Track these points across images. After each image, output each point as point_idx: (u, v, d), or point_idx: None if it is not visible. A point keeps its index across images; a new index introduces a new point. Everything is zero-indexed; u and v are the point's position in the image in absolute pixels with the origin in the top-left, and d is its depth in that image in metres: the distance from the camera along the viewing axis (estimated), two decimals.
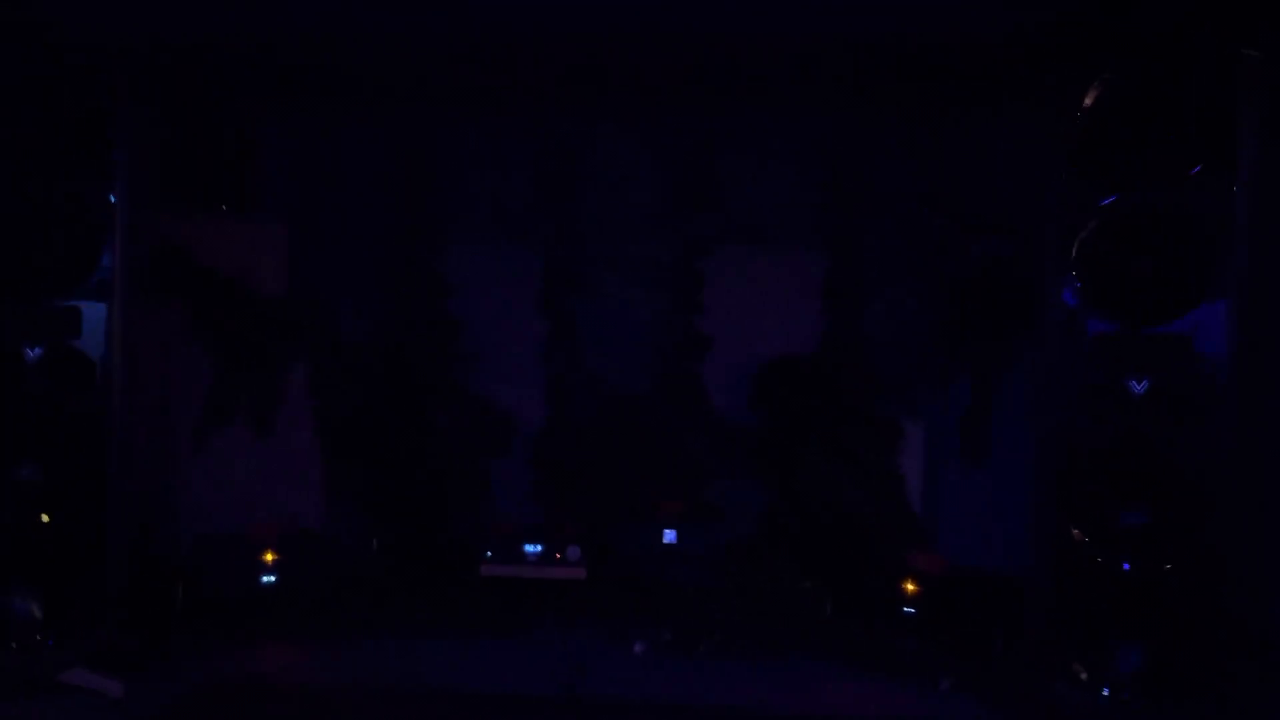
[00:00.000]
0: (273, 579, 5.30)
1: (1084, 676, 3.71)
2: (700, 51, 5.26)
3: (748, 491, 6.10)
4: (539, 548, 5.55)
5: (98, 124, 4.29)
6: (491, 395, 6.40)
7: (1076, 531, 3.74)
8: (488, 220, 6.55)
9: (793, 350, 6.14)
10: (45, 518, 4.10)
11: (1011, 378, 5.62)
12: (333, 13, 4.84)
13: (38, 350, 4.19)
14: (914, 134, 6.15)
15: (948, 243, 6.12)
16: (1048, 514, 3.86)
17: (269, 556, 5.29)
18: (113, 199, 4.33)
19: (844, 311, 6.20)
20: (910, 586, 5.04)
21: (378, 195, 6.49)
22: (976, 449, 5.66)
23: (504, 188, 6.54)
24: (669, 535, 5.56)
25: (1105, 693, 3.60)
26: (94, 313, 4.35)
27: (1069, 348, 3.96)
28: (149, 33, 4.74)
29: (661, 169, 6.36)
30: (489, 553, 5.56)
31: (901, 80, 5.39)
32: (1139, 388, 3.64)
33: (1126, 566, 3.61)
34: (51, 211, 4.18)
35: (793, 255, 6.34)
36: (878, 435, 5.92)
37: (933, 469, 5.95)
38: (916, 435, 6.00)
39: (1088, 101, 3.72)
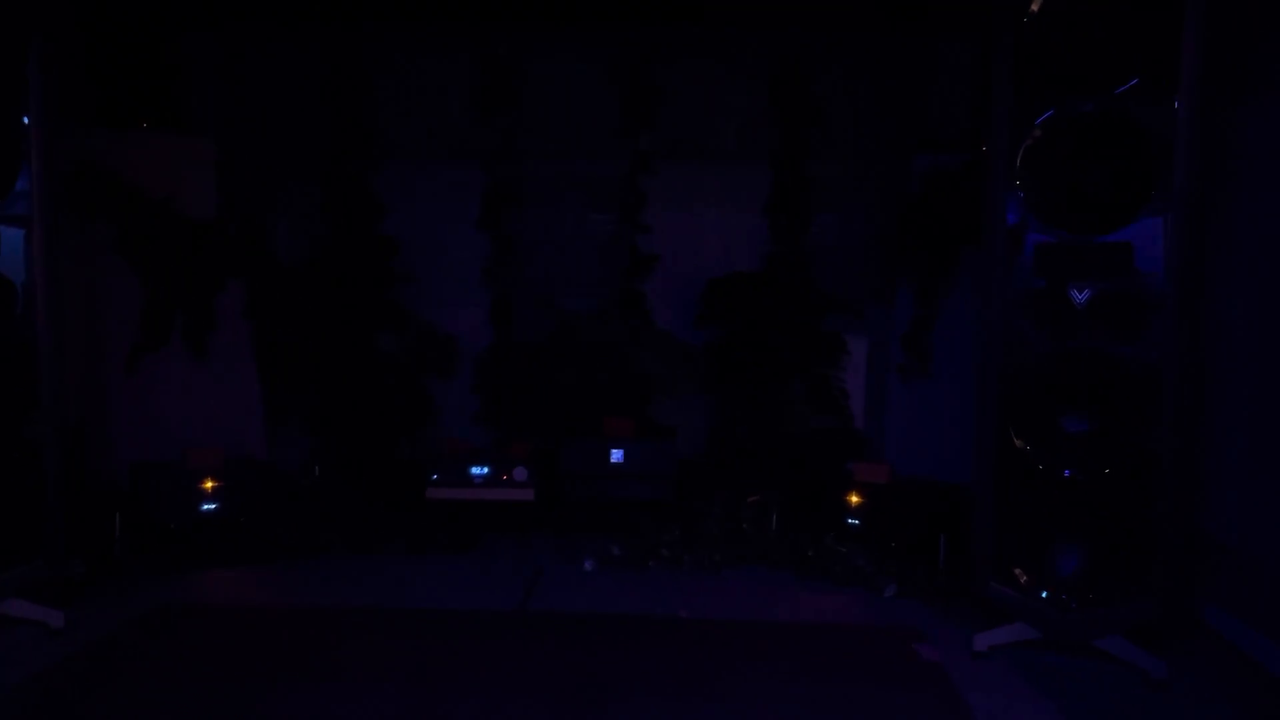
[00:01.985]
0: (214, 506, 5.21)
1: (1024, 580, 3.80)
2: None
3: (696, 409, 6.14)
4: (486, 469, 5.53)
5: (10, 40, 4.02)
6: (434, 316, 6.32)
7: (1018, 440, 3.79)
8: (426, 138, 6.40)
9: (739, 267, 6.12)
10: None
11: (955, 292, 5.70)
12: None
13: None
14: (859, 50, 6.11)
15: (892, 158, 6.13)
16: (989, 422, 3.91)
17: (209, 484, 5.19)
18: (26, 119, 4.08)
19: (789, 228, 6.18)
20: (854, 498, 5.13)
21: (310, 113, 6.27)
22: (919, 362, 5.74)
23: (442, 104, 6.38)
24: (616, 454, 5.57)
25: (1044, 595, 3.70)
26: (15, 236, 4.17)
27: (1012, 259, 3.98)
28: None
29: (606, 85, 6.23)
30: (435, 475, 5.52)
31: None
32: (1080, 297, 3.67)
33: (1067, 473, 3.68)
34: None
35: (738, 172, 6.29)
36: (823, 350, 5.95)
37: (878, 382, 6.03)
38: (861, 349, 6.07)
39: (1034, 7, 3.67)
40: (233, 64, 6.39)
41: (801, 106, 6.14)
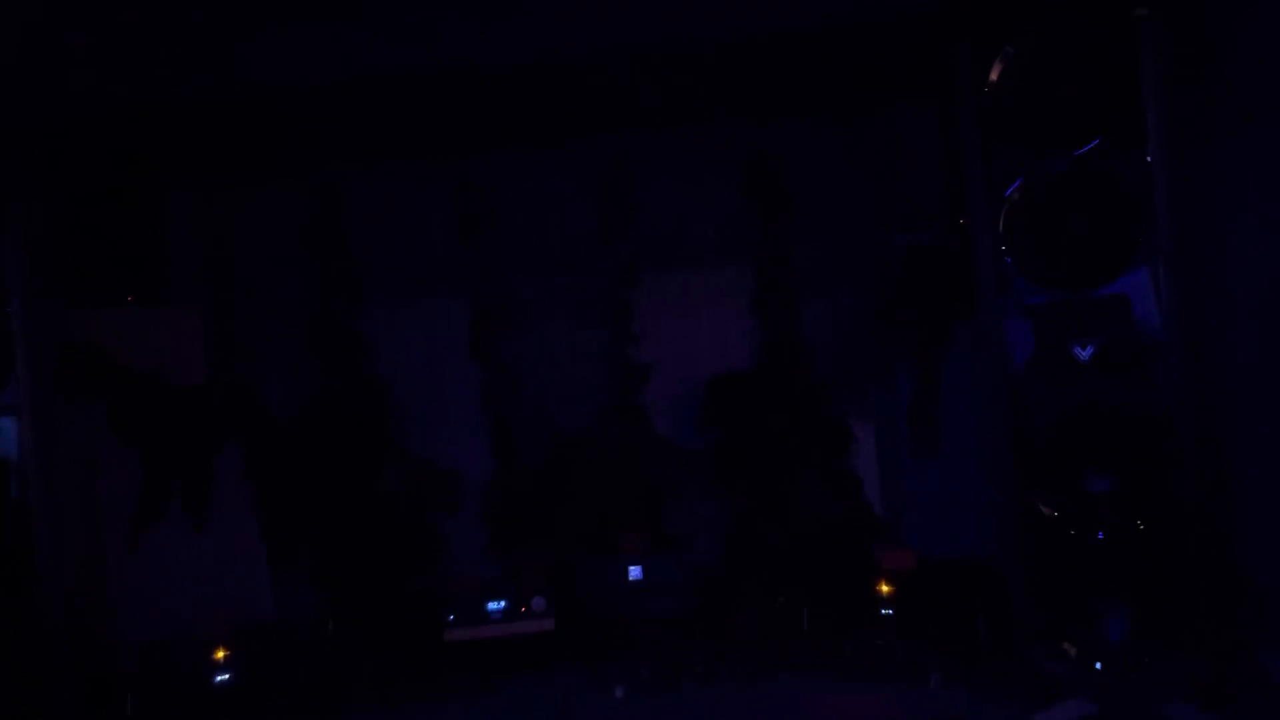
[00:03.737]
0: (227, 676, 5.02)
1: (1073, 652, 3.64)
2: (605, 73, 5.22)
3: (708, 515, 6.00)
4: (503, 603, 5.36)
5: None
6: (433, 452, 6.22)
7: (1045, 508, 3.69)
8: (410, 271, 6.41)
9: (733, 366, 6.08)
10: None
11: (953, 364, 5.64)
12: (226, 75, 4.70)
13: None
14: (826, 138, 6.18)
15: (870, 240, 6.16)
16: (1010, 493, 3.81)
17: (220, 654, 5.02)
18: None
19: (778, 321, 6.17)
20: (885, 587, 4.96)
21: (290, 265, 6.29)
22: (927, 438, 5.64)
23: (423, 235, 6.40)
24: (634, 571, 5.42)
25: (1099, 666, 3.54)
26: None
27: (1007, 324, 3.94)
28: (38, 114, 4.55)
29: (580, 199, 6.28)
30: (451, 615, 5.35)
31: (808, 80, 5.38)
32: (1084, 354, 3.62)
33: (1101, 535, 3.57)
34: None
35: (720, 272, 6.30)
36: (828, 439, 5.86)
37: (889, 463, 5.91)
38: (868, 432, 5.97)
39: (993, 76, 3.73)
40: (211, 222, 6.44)
41: (777, 197, 6.19)
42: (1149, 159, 3.56)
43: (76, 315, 5.51)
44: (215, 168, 6.23)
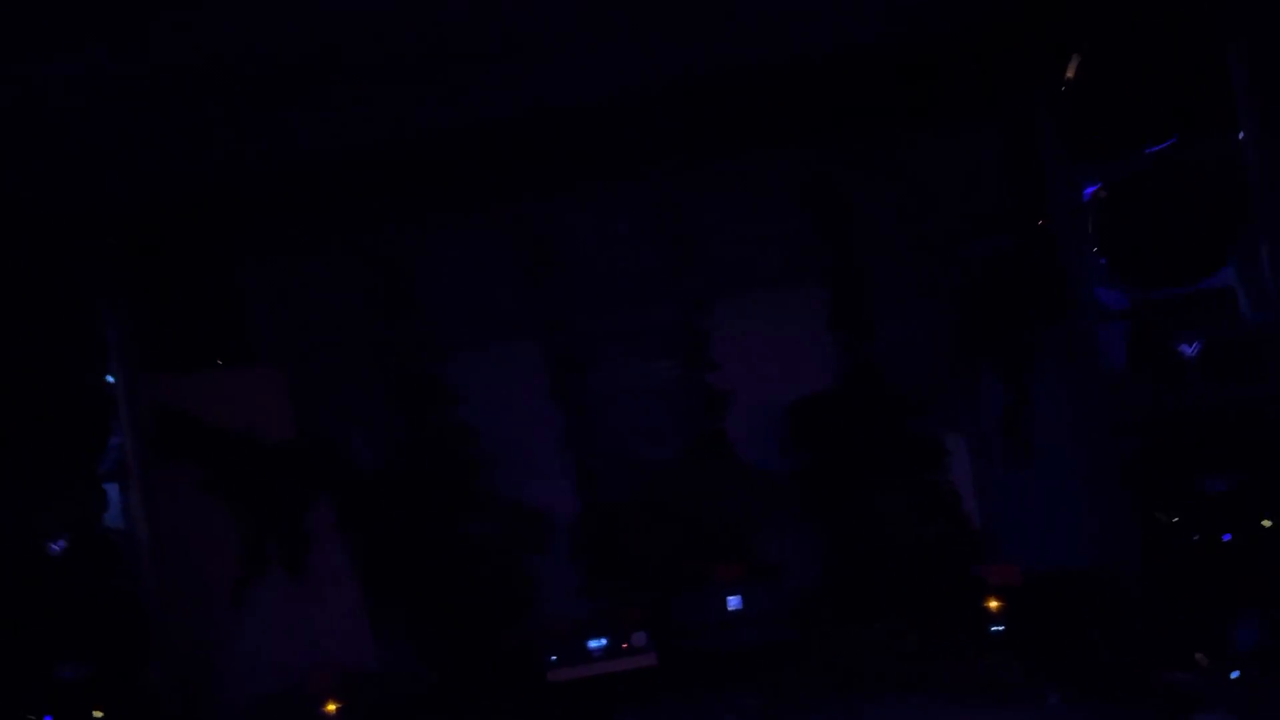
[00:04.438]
0: None
1: (1205, 663, 3.51)
2: (664, 107, 5.24)
3: (801, 540, 5.94)
4: (604, 641, 5.35)
5: (85, 307, 4.20)
6: (519, 494, 6.25)
7: (1161, 515, 3.58)
8: (481, 321, 6.48)
9: (813, 388, 6.03)
10: (99, 715, 3.89)
11: (1040, 370, 5.52)
12: (288, 144, 4.84)
13: (60, 543, 4.03)
14: (891, 151, 6.13)
15: (941, 252, 6.09)
16: (1118, 500, 3.70)
17: (331, 707, 5.06)
18: (110, 378, 4.20)
19: (856, 339, 6.12)
20: (994, 603, 4.84)
21: (368, 321, 6.39)
22: (1021, 449, 5.52)
23: (491, 285, 6.47)
24: (733, 601, 5.37)
25: (1235, 675, 3.40)
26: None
27: (1101, 326, 3.86)
28: (122, 207, 4.72)
29: (646, 232, 6.30)
30: (553, 656, 5.34)
31: (876, 97, 5.35)
32: (1190, 350, 3.53)
33: (1227, 537, 3.45)
34: (55, 400, 4.06)
35: (792, 295, 6.27)
36: (919, 455, 5.77)
37: (983, 476, 5.80)
38: (959, 447, 5.87)
39: (1070, 73, 3.67)
40: (285, 286, 6.57)
41: (844, 217, 6.15)
42: (1241, 143, 3.44)
43: (169, 381, 5.64)
44: (286, 236, 6.36)
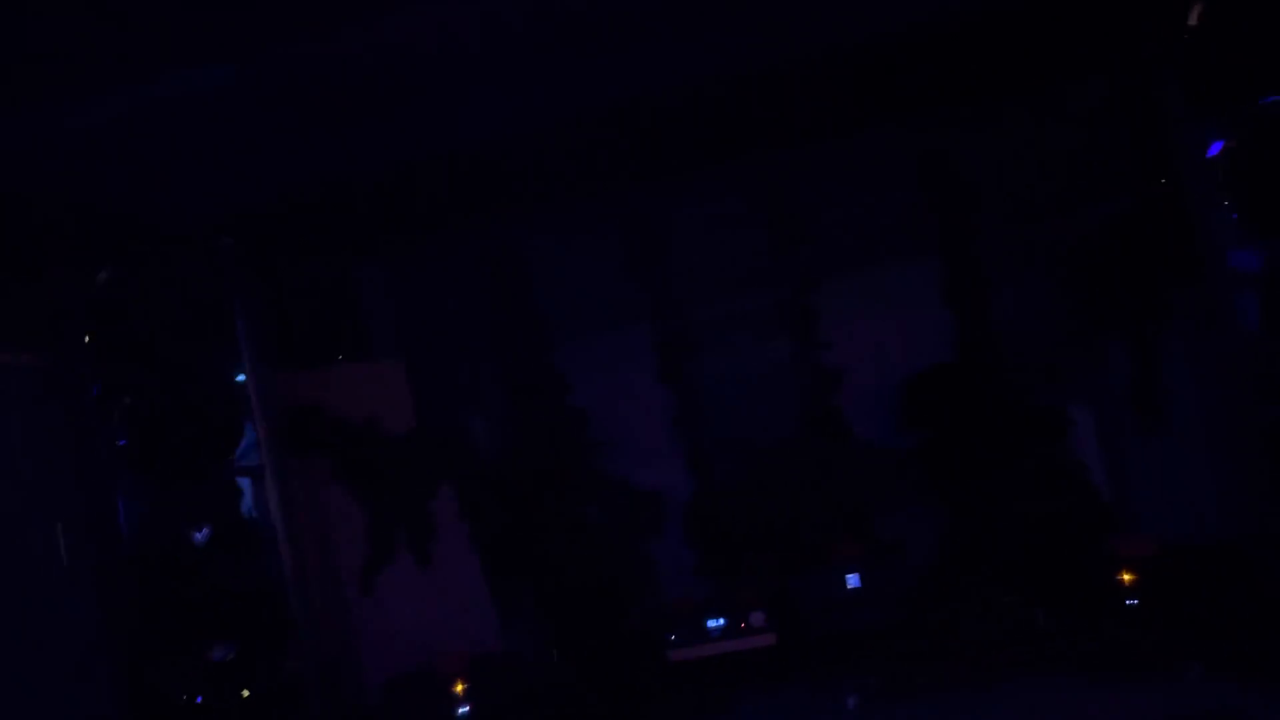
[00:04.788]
0: (467, 709, 5.21)
1: None
2: (773, 87, 5.19)
3: (920, 518, 5.84)
4: (722, 621, 5.38)
5: (218, 308, 4.41)
6: (633, 478, 6.33)
7: None
8: (592, 309, 6.56)
9: (928, 362, 5.92)
10: (246, 694, 4.11)
11: (1171, 336, 5.29)
12: (407, 145, 4.97)
13: (204, 530, 4.26)
14: (1007, 117, 5.94)
15: (1056, 220, 5.89)
16: (1260, 466, 3.52)
17: (459, 687, 5.21)
18: (241, 376, 4.41)
19: (971, 312, 5.98)
20: (1127, 576, 4.68)
21: (481, 314, 6.57)
22: (1154, 418, 5.30)
23: (602, 273, 6.54)
24: (852, 580, 5.32)
25: None
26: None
27: (1235, 287, 3.68)
28: (250, 208, 4.93)
29: (755, 214, 6.27)
30: (672, 636, 5.40)
31: (986, 60, 5.19)
32: None
33: None
34: (193, 396, 4.29)
35: (905, 269, 6.17)
36: (1043, 427, 5.60)
37: (1111, 447, 5.59)
38: (1085, 417, 5.67)
39: (1192, 21, 3.49)
40: (402, 284, 6.79)
41: (956, 190, 6.01)
42: None
43: (296, 377, 5.88)
44: (401, 235, 6.54)
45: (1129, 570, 4.68)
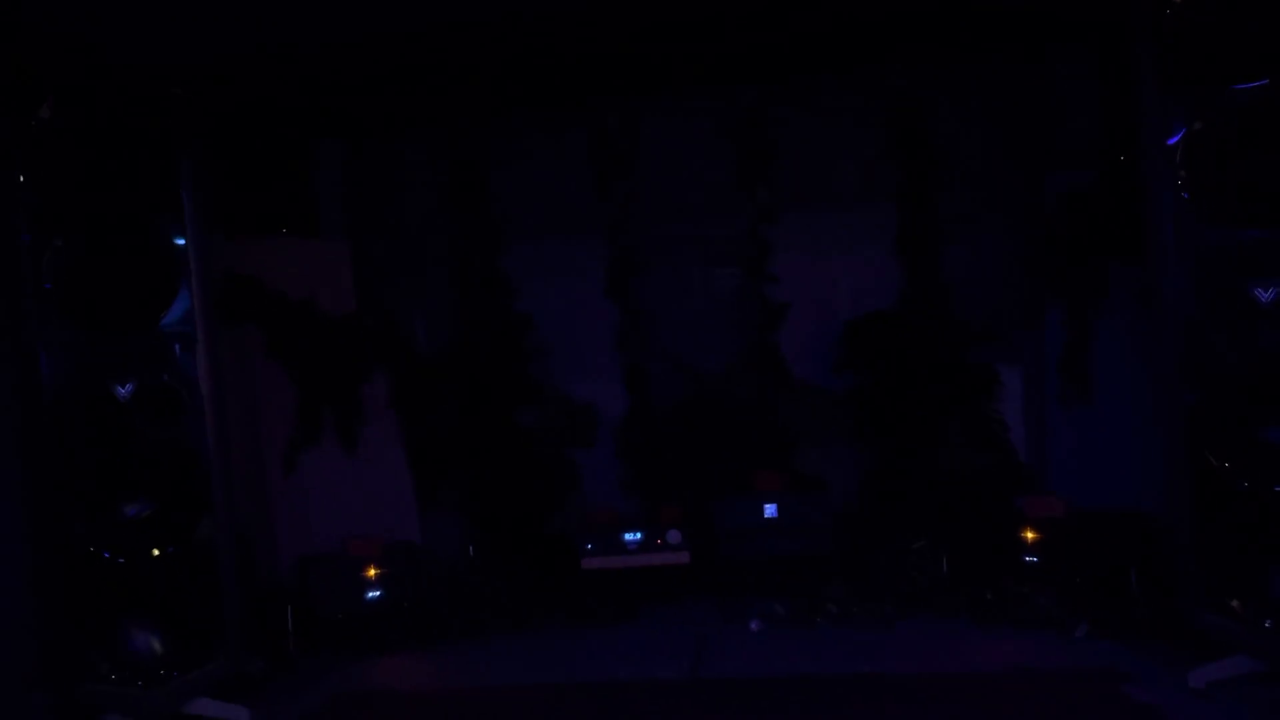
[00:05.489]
0: (378, 594, 5.27)
1: (1240, 610, 3.49)
2: (751, 18, 5.11)
3: (845, 458, 5.96)
4: (639, 535, 5.47)
5: (164, 160, 4.25)
6: (571, 388, 6.36)
7: (1214, 460, 3.52)
8: (546, 215, 6.50)
9: (873, 308, 5.98)
10: (155, 552, 4.09)
11: (1107, 310, 5.42)
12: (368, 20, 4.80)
13: (128, 387, 4.19)
14: (976, 77, 5.96)
15: (1019, 183, 5.94)
16: (1180, 443, 3.64)
17: (372, 572, 5.26)
18: (181, 240, 4.28)
19: (921, 264, 6.03)
20: (1030, 534, 4.86)
21: (435, 205, 6.47)
22: (1079, 387, 5.46)
23: (559, 180, 6.48)
24: (769, 509, 5.44)
25: (1267, 624, 3.38)
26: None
27: (1178, 267, 3.75)
28: (206, 64, 4.74)
29: (720, 140, 6.22)
30: (589, 545, 5.49)
31: (965, 15, 5.16)
32: (1266, 296, 3.42)
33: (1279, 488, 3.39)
34: (130, 251, 4.18)
35: (861, 213, 6.19)
36: (973, 384, 5.72)
37: (1036, 412, 5.75)
38: (1013, 379, 5.81)
39: None
40: (358, 166, 6.64)
41: (921, 138, 6.02)
42: None
43: (236, 246, 5.75)
44: (362, 120, 6.38)
45: (1033, 529, 4.86)
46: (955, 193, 6.08)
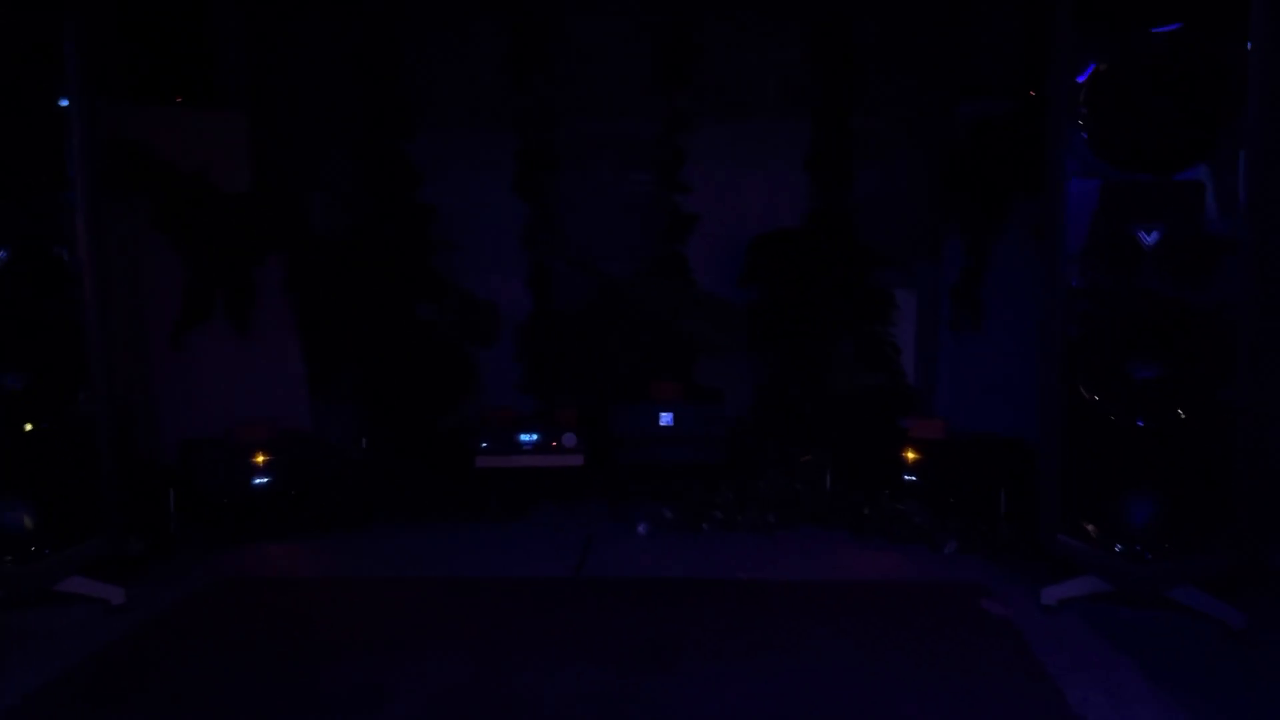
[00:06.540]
0: (265, 480, 5.20)
1: (1094, 533, 3.70)
2: None
3: (742, 370, 6.06)
4: (535, 436, 5.50)
5: (44, 22, 3.96)
6: (473, 284, 6.28)
7: (1086, 392, 3.68)
8: (458, 103, 6.32)
9: (782, 224, 6.02)
10: (28, 426, 3.94)
11: (1004, 242, 5.56)
12: None
13: (2, 254, 3.96)
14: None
15: (936, 107, 5.99)
16: (1056, 374, 3.79)
17: (260, 458, 5.18)
18: (64, 101, 4.01)
19: (832, 183, 6.07)
20: (911, 454, 5.04)
21: (342, 83, 6.20)
22: (970, 315, 5.63)
23: (475, 69, 6.29)
24: (665, 418, 5.51)
25: (1117, 548, 3.60)
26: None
27: (1073, 204, 3.84)
28: None
29: (641, 42, 6.10)
30: (484, 444, 5.49)
31: None
32: (1149, 239, 3.55)
33: (1141, 423, 3.57)
34: (6, 112, 3.90)
35: (779, 127, 6.19)
36: (871, 306, 5.84)
37: (929, 337, 5.92)
38: (910, 304, 5.96)
39: None
40: (262, 36, 6.32)
41: (842, 57, 6.00)
42: (1248, 45, 3.37)
43: (125, 112, 5.47)
44: None
45: (914, 449, 5.04)
46: (872, 116, 6.11)
